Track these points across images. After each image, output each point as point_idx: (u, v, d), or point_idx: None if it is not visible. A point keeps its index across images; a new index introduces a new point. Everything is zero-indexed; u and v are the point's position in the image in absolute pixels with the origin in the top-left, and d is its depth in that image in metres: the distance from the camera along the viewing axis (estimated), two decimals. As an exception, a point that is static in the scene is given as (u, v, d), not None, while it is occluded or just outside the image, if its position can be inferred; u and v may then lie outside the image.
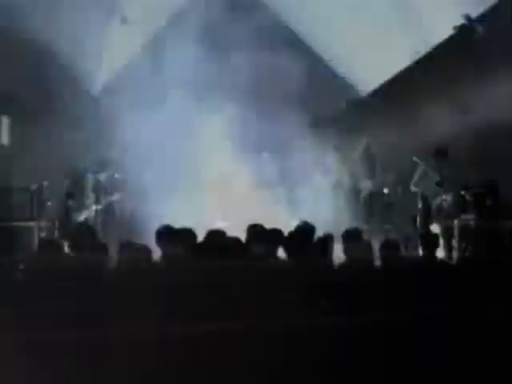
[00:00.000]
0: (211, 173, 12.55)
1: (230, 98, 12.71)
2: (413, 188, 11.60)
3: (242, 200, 12.28)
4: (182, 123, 12.39)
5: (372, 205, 13.08)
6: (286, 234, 7.63)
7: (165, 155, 12.57)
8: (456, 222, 12.02)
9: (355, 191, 13.24)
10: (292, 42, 13.71)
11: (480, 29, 12.77)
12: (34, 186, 12.00)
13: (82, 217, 11.68)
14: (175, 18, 13.74)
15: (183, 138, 12.37)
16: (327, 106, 13.59)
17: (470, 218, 12.07)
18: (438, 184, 11.56)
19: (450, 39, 13.27)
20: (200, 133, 12.61)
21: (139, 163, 12.22)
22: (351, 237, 7.74)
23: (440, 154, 11.63)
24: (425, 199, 11.58)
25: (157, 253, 7.65)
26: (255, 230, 7.64)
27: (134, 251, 7.45)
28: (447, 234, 11.06)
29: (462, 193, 12.12)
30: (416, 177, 11.55)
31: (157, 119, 12.43)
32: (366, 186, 13.48)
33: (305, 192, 12.72)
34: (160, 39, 13.53)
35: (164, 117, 12.46)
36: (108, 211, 12.15)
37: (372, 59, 13.36)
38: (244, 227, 7.82)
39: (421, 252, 8.43)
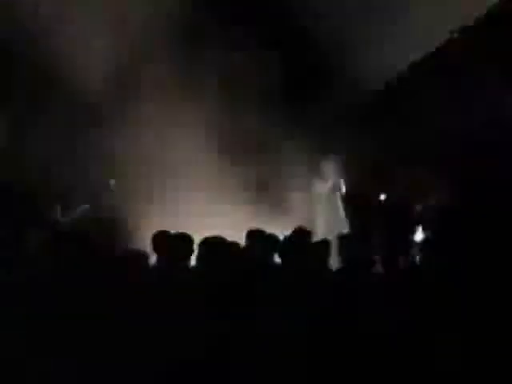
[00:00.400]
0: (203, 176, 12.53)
1: (221, 97, 12.73)
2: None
3: (234, 203, 12.31)
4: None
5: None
6: (281, 238, 7.62)
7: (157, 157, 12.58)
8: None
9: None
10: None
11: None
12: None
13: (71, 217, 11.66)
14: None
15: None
16: (327, 107, 13.53)
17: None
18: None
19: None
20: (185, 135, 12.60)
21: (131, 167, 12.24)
22: (347, 242, 7.73)
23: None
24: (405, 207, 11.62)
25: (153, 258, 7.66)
26: (255, 235, 7.62)
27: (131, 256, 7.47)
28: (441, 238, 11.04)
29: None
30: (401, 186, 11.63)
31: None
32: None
33: (301, 196, 12.71)
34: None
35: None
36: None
37: (371, 62, 13.35)
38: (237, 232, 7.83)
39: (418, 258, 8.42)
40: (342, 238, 7.73)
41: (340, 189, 12.77)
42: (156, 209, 11.88)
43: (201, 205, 12.13)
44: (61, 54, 11.81)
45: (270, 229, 7.80)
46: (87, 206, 12.21)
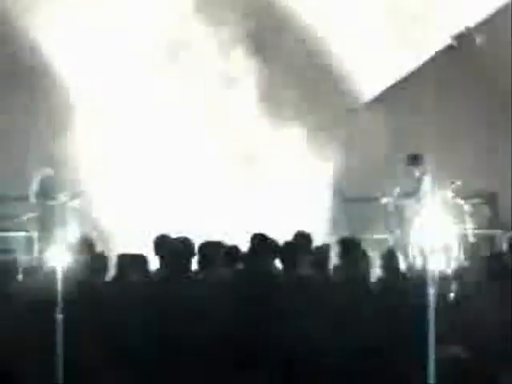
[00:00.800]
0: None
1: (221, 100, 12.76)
2: (385, 199, 11.64)
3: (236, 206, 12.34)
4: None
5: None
6: (281, 243, 7.59)
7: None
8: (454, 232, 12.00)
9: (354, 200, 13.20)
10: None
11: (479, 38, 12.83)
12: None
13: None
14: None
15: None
16: (326, 111, 13.52)
17: (468, 227, 12.06)
18: (412, 193, 11.66)
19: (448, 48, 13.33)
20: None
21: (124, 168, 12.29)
22: (348, 246, 7.70)
23: (413, 161, 11.75)
24: (398, 209, 11.63)
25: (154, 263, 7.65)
26: (260, 240, 7.57)
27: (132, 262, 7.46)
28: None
29: (462, 202, 12.10)
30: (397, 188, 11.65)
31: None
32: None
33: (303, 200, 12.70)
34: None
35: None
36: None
37: (371, 65, 13.37)
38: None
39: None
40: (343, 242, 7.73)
41: (341, 190, 12.75)
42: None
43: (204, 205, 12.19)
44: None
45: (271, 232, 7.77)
46: None
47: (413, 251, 11.11)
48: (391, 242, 11.93)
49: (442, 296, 6.45)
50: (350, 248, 7.56)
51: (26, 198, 11.84)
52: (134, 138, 12.65)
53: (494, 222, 12.69)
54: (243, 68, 12.77)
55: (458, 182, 11.85)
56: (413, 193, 11.73)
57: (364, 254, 7.59)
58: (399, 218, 11.78)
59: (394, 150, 12.95)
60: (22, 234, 11.80)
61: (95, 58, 12.72)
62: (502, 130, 13.24)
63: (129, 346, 6.44)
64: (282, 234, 7.79)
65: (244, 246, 7.62)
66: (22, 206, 12.00)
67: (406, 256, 11.01)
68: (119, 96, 12.66)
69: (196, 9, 12.93)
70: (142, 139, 12.67)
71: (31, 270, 7.64)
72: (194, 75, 12.71)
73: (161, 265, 7.48)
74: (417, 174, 11.77)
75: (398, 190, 11.78)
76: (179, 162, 12.57)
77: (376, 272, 7.74)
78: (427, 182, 11.78)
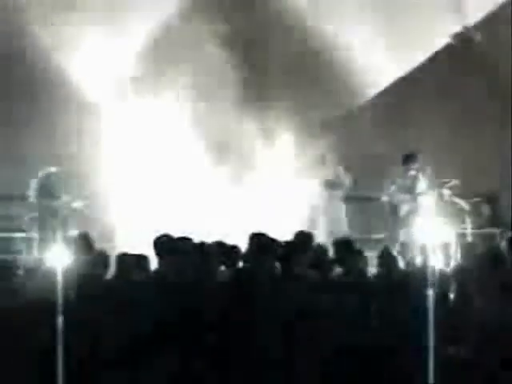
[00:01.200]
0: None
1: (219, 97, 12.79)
2: (383, 198, 11.69)
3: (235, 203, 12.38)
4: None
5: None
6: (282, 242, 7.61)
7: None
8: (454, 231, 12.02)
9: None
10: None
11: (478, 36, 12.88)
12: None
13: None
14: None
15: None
16: (324, 111, 13.54)
17: (467, 226, 12.08)
18: (408, 191, 11.69)
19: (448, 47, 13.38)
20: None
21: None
22: (343, 246, 7.73)
23: (407, 160, 11.78)
24: (393, 207, 11.66)
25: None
26: (260, 239, 7.58)
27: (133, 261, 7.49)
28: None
29: (458, 201, 12.14)
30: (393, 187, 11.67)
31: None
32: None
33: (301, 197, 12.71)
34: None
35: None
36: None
37: (372, 65, 13.40)
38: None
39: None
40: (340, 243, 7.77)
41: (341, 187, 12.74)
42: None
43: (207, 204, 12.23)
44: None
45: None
46: None
47: (411, 250, 11.11)
48: (388, 241, 11.94)
49: (440, 294, 6.49)
50: (345, 249, 7.60)
51: (27, 198, 11.87)
52: (136, 139, 12.69)
53: (494, 220, 12.71)
54: (241, 68, 12.80)
55: (456, 181, 11.88)
56: (408, 191, 11.76)
57: (360, 254, 7.63)
58: (395, 216, 11.81)
59: (393, 150, 12.99)
60: (23, 234, 11.81)
61: (95, 58, 12.76)
62: (502, 129, 13.28)
63: (128, 344, 6.49)
64: (279, 235, 7.83)
65: (242, 246, 7.65)
66: (23, 206, 12.04)
67: (403, 255, 11.01)
68: (119, 97, 12.70)
69: (191, 8, 12.99)
70: (143, 140, 12.71)
71: (31, 270, 7.65)
72: (194, 76, 12.72)
73: (161, 264, 7.51)
74: (412, 172, 11.82)
75: (393, 188, 11.81)
76: (179, 163, 12.60)
77: (374, 271, 7.77)
78: (422, 180, 11.83)
